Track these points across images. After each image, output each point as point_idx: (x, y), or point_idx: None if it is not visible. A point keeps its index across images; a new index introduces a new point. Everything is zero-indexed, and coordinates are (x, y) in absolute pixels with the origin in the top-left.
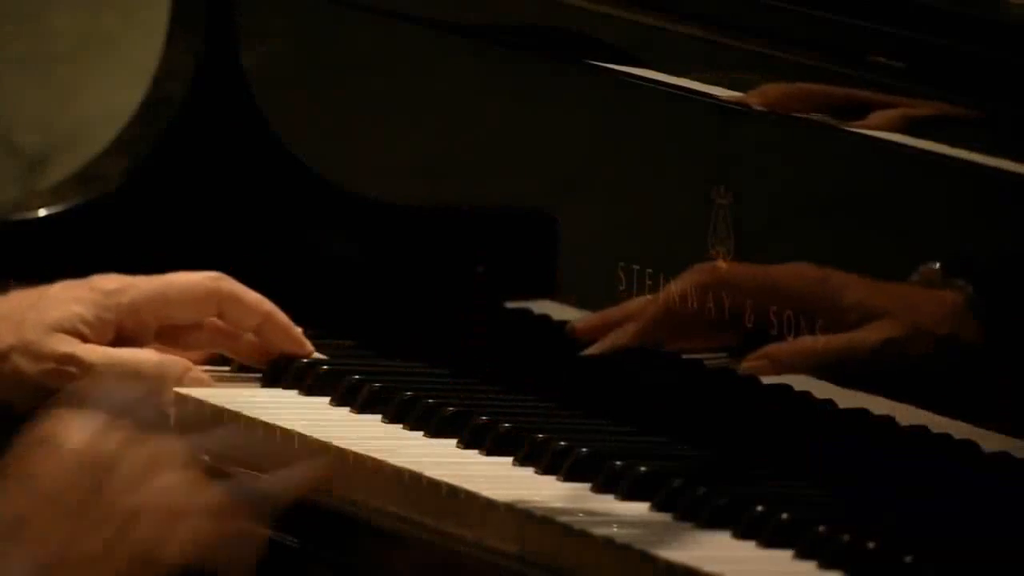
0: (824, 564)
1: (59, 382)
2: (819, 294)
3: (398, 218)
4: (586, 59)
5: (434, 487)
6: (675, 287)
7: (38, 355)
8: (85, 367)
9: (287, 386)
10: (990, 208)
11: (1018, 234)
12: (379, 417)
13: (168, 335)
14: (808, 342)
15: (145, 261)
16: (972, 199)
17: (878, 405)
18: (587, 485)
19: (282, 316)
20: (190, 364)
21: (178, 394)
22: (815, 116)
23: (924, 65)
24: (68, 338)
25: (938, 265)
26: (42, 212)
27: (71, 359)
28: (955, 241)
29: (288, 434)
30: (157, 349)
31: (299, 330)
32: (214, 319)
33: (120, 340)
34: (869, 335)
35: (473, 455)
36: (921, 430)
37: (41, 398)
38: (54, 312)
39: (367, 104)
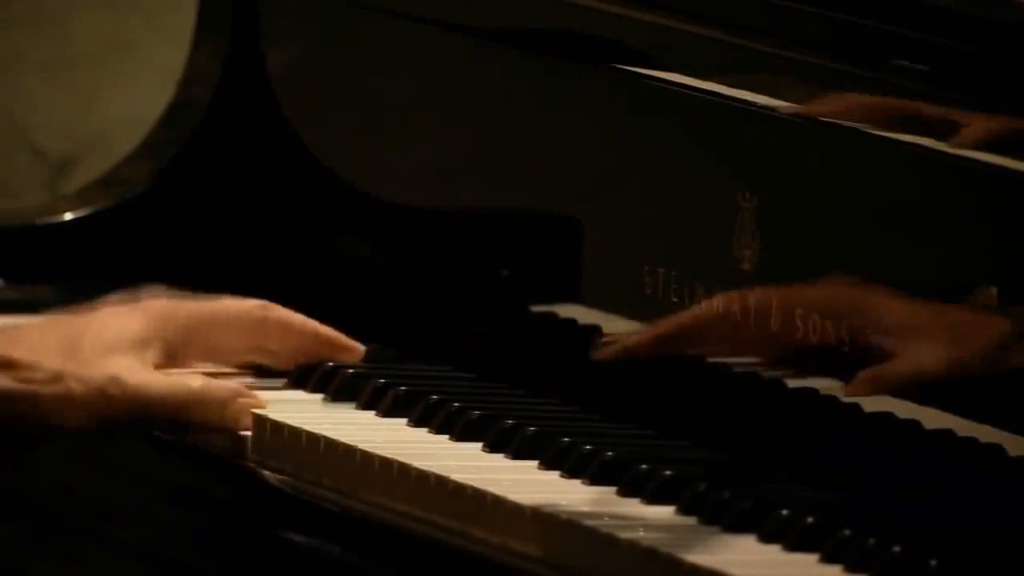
0: (850, 568)
1: (102, 403)
2: (859, 311)
3: (423, 222)
4: (613, 63)
5: (459, 491)
6: (706, 306)
7: (88, 378)
8: (128, 391)
9: (312, 390)
10: (1013, 212)
11: None
12: (404, 421)
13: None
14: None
15: (171, 264)
16: (995, 203)
17: (903, 409)
18: (612, 489)
19: (327, 331)
20: (239, 390)
21: None
22: (839, 120)
23: (947, 69)
24: (118, 360)
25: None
26: (68, 216)
27: (115, 382)
28: (979, 244)
29: (314, 438)
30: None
31: (346, 339)
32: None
33: (168, 357)
34: (911, 362)
35: (499, 459)
36: (947, 434)
37: (90, 419)
38: (107, 334)
39: (391, 108)
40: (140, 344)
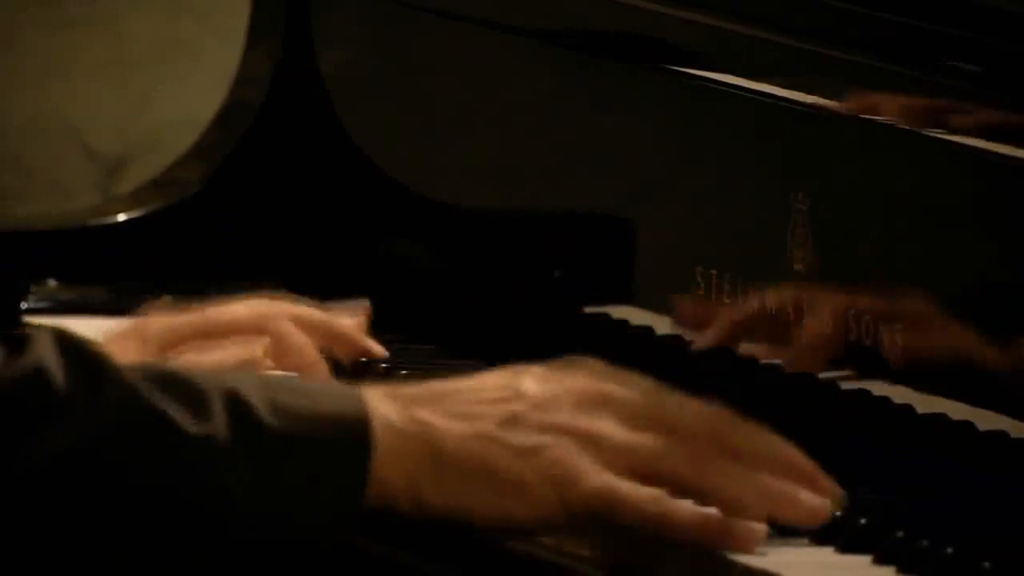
0: (903, 569)
1: None
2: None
3: (476, 223)
4: (665, 64)
5: None
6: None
7: None
8: None
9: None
10: None
11: None
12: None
13: None
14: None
15: (223, 266)
16: None
17: (957, 410)
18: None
19: (342, 326)
20: None
21: None
22: (892, 121)
23: (1001, 70)
24: None
25: None
26: (121, 217)
27: None
28: None
29: None
30: None
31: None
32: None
33: None
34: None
35: None
36: (1000, 436)
37: None
38: None
39: (444, 108)
40: None
